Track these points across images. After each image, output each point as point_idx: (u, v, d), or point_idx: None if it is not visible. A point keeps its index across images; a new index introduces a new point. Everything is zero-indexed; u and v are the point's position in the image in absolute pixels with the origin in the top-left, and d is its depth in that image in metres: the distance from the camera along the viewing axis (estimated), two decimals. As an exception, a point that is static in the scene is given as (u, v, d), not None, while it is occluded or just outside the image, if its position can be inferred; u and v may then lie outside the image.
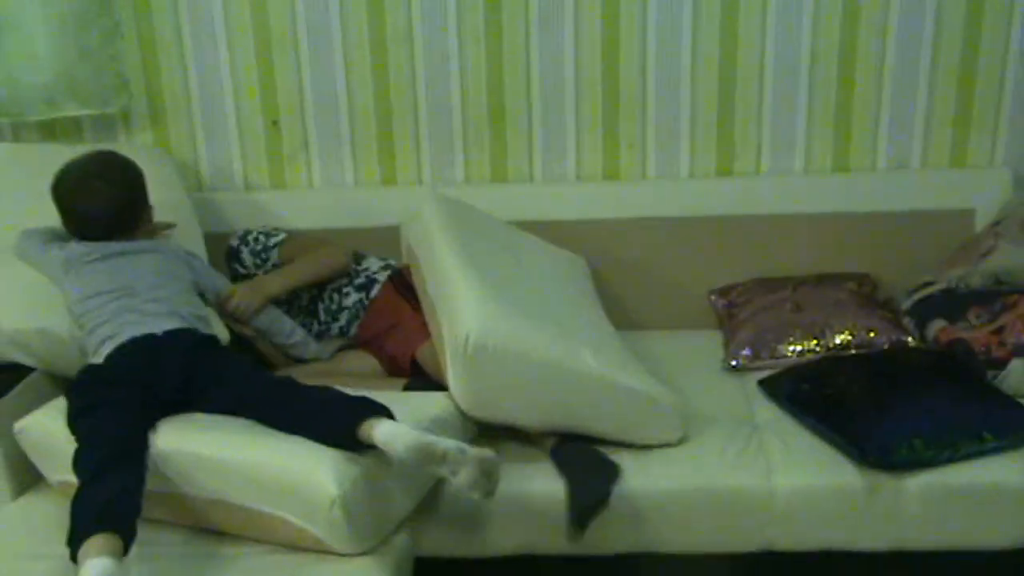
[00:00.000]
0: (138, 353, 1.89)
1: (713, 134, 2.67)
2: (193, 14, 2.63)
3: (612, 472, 1.96)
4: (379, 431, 1.71)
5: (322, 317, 2.45)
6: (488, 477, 1.71)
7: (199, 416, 1.87)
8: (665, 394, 2.05)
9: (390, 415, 1.77)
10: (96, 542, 1.54)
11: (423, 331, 2.25)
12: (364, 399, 1.80)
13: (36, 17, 2.52)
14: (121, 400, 1.79)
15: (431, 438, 1.70)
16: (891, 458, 1.94)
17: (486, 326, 1.93)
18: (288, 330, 2.36)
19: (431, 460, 1.68)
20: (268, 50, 2.65)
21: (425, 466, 1.70)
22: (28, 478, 1.98)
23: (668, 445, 2.06)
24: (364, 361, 2.40)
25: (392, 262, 2.49)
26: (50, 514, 1.87)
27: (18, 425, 1.90)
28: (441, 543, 2.00)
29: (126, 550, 1.56)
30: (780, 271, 2.63)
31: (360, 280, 2.44)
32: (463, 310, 1.98)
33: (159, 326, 1.93)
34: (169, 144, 2.73)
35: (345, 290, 2.43)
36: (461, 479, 1.69)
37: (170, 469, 1.78)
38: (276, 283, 2.36)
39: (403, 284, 2.41)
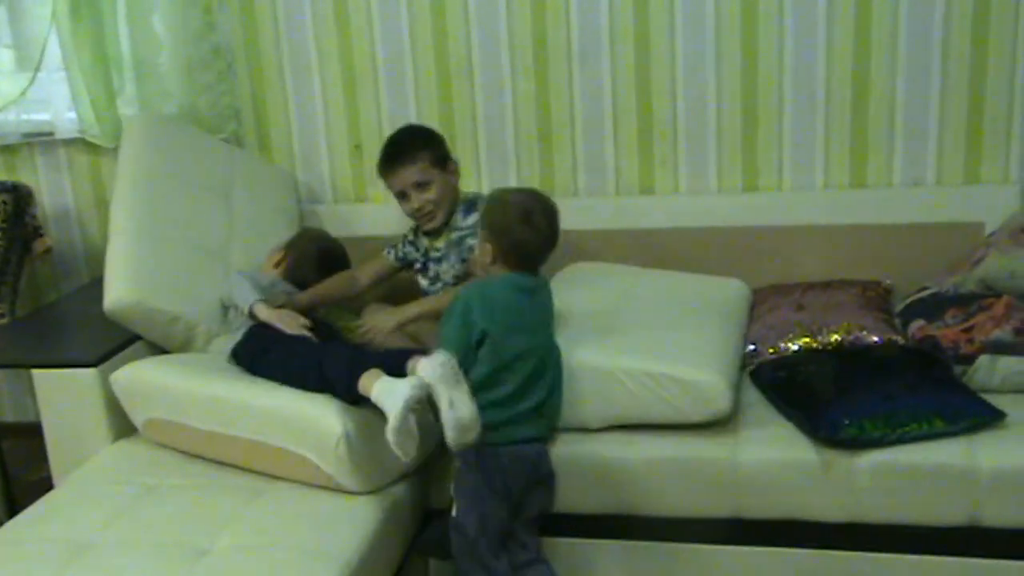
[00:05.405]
0: None
1: (738, 153, 2.95)
2: (292, 57, 3.13)
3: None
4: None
5: None
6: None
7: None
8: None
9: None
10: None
11: None
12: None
13: (168, 62, 3.10)
14: None
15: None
16: (839, 435, 2.17)
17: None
18: None
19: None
20: (353, 85, 3.12)
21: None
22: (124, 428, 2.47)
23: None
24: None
25: None
26: (138, 452, 2.37)
27: (113, 376, 2.39)
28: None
29: None
30: (799, 279, 2.85)
31: None
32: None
33: None
34: (272, 163, 3.23)
35: None
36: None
37: (219, 412, 2.23)
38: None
39: None
